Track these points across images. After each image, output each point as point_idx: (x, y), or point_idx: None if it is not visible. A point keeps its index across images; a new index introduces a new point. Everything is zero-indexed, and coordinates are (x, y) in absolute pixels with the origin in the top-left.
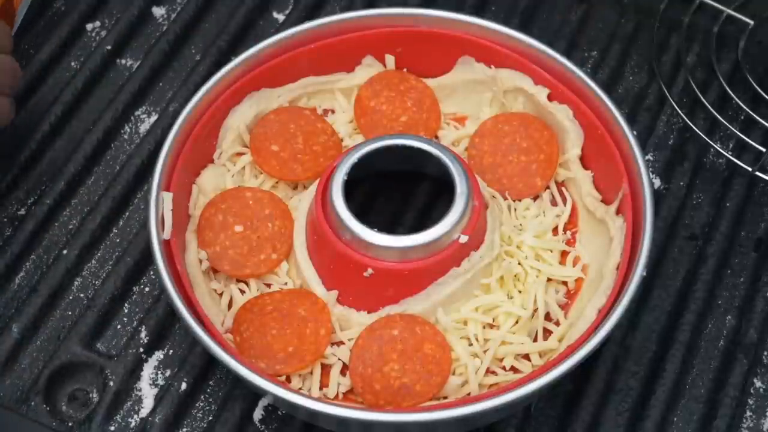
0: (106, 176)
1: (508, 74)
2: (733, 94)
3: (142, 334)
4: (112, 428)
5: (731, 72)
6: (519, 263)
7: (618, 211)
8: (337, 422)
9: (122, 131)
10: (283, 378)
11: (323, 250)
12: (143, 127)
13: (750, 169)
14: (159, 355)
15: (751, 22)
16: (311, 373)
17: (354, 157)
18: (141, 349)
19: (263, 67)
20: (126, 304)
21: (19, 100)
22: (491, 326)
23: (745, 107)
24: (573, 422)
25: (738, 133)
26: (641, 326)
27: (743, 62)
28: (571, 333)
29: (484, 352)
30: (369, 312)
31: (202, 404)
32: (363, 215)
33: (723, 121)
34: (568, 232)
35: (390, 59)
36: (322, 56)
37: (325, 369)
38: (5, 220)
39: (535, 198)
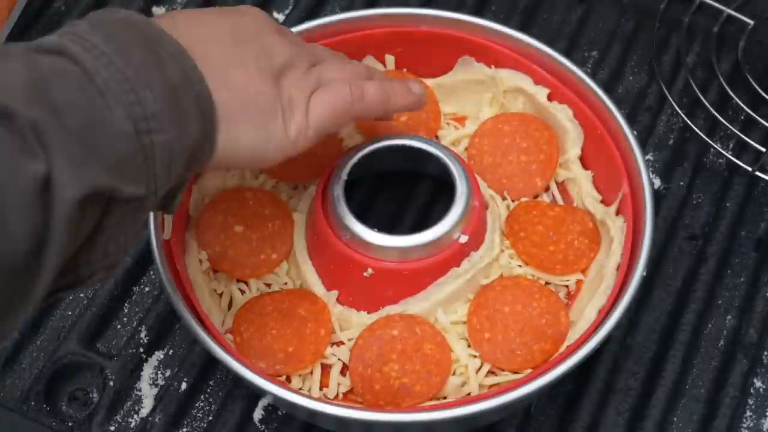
0: None
1: (508, 74)
2: (733, 94)
3: (142, 334)
4: (112, 428)
5: (731, 72)
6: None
7: (618, 212)
8: (337, 422)
9: None
10: (283, 378)
11: (323, 250)
12: None
13: (750, 169)
14: (159, 355)
15: (751, 22)
16: (311, 373)
17: (354, 158)
18: (141, 349)
19: None
20: (126, 304)
21: None
22: None
23: (745, 107)
24: (573, 422)
25: (738, 133)
26: (641, 326)
27: (743, 62)
28: (571, 333)
29: None
30: (369, 312)
31: (202, 404)
32: (363, 215)
33: (723, 121)
34: None
35: (390, 59)
36: None
37: (325, 369)
38: None
39: (535, 198)
